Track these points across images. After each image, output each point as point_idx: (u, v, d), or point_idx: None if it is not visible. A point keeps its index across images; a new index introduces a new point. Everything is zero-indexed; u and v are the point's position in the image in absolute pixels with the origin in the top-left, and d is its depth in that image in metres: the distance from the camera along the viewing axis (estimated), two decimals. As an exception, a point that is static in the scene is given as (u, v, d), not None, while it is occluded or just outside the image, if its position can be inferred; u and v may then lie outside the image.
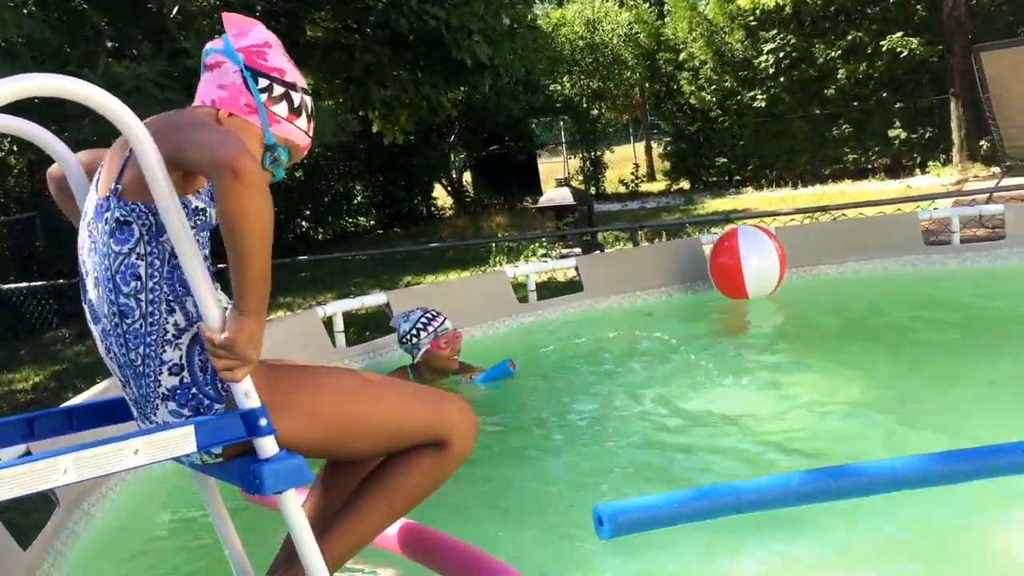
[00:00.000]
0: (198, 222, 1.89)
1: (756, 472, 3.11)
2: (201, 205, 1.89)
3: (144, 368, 1.89)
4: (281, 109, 2.03)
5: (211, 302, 1.82)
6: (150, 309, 1.86)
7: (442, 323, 4.60)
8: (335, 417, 2.00)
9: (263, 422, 1.85)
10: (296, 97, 2.06)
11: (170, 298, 1.86)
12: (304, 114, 2.08)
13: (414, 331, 4.57)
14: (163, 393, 1.89)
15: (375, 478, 2.15)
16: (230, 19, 2.06)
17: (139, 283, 1.86)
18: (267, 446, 1.87)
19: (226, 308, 1.86)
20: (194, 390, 1.89)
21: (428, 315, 4.62)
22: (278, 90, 2.02)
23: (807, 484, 2.26)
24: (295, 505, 1.92)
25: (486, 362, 4.71)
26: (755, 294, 5.94)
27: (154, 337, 1.87)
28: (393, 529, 2.36)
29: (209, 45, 2.06)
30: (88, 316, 1.99)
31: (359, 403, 2.04)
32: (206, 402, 1.89)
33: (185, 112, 1.97)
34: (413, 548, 2.39)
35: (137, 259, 1.85)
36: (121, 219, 1.86)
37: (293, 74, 2.07)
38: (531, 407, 4.37)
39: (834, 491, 2.27)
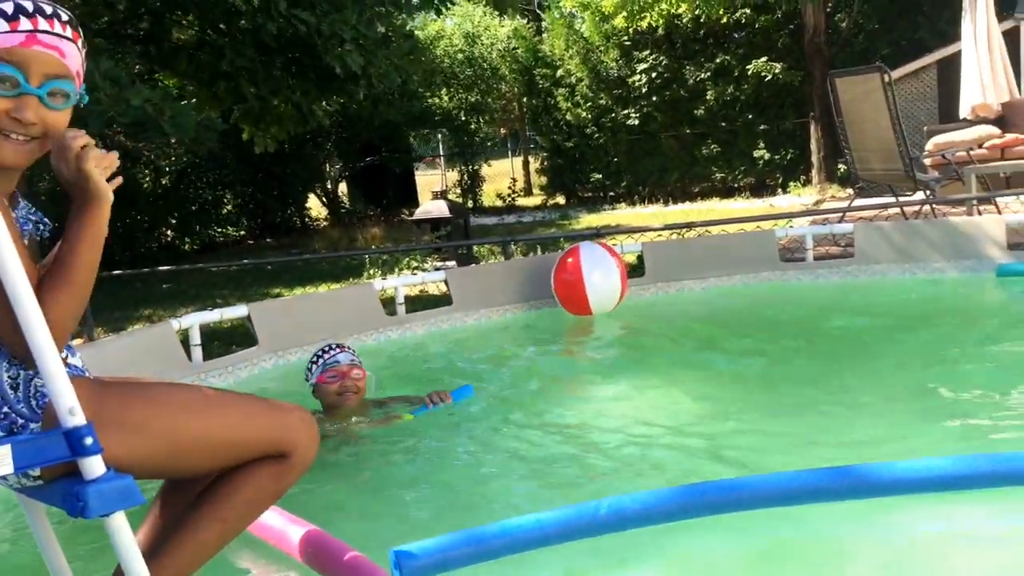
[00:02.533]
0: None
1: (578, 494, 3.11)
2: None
3: None
4: None
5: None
6: None
7: (333, 355, 3.95)
8: (167, 432, 1.91)
9: (88, 440, 1.75)
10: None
11: None
12: (0, 18, 1.72)
13: (308, 365, 4.00)
14: None
15: (209, 493, 2.05)
16: None
17: None
18: (93, 466, 1.76)
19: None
20: (5, 409, 1.78)
21: (324, 347, 4.03)
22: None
23: (614, 511, 2.28)
24: (124, 530, 1.82)
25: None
26: (597, 310, 6.05)
27: None
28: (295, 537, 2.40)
29: None
30: None
31: (193, 417, 1.95)
32: (20, 421, 1.78)
33: None
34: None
35: None
36: None
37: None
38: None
39: (640, 518, 2.31)
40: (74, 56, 1.81)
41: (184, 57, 9.26)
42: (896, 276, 6.46)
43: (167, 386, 2.05)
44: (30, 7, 1.75)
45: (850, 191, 11.62)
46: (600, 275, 5.98)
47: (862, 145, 8.56)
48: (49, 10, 1.77)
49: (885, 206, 8.18)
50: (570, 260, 6.06)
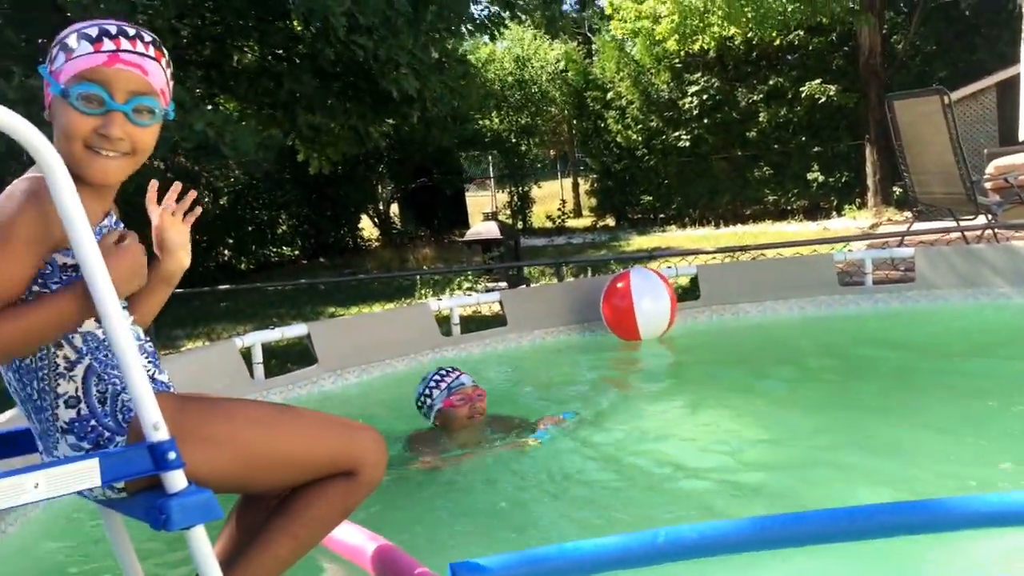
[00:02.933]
0: (67, 277, 1.81)
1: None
2: (70, 261, 1.80)
3: (41, 402, 1.83)
4: (59, 60, 1.81)
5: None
6: None
7: (456, 378, 4.01)
8: (245, 448, 1.96)
9: (171, 455, 1.79)
10: (70, 39, 1.82)
11: None
12: (85, 40, 1.81)
13: (426, 391, 4.02)
14: (62, 427, 1.83)
15: (281, 509, 2.09)
16: None
17: None
18: (175, 480, 1.81)
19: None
20: (92, 422, 1.83)
21: (441, 371, 4.06)
22: (55, 51, 1.83)
23: (673, 540, 2.24)
24: (204, 542, 1.86)
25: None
26: (646, 335, 6.03)
27: (46, 372, 1.82)
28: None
29: None
30: None
31: (270, 434, 2.00)
32: (106, 434, 1.84)
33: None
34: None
35: None
36: None
37: (71, 28, 1.85)
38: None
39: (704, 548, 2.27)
40: (157, 74, 1.87)
41: (244, 81, 9.47)
42: (959, 301, 6.33)
43: (243, 403, 2.10)
44: (113, 29, 1.82)
45: (908, 214, 11.46)
46: (650, 301, 5.96)
47: (921, 168, 8.45)
48: (132, 32, 1.84)
49: (946, 230, 8.05)
50: (620, 285, 6.05)
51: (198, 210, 2.20)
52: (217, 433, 1.93)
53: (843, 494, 3.04)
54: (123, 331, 1.76)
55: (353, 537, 2.56)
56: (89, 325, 1.86)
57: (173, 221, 2.17)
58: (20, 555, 3.27)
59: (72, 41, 1.80)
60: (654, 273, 6.17)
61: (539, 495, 3.43)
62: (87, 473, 1.73)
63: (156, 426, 1.79)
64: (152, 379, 1.94)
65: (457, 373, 4.05)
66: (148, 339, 2.04)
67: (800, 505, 2.97)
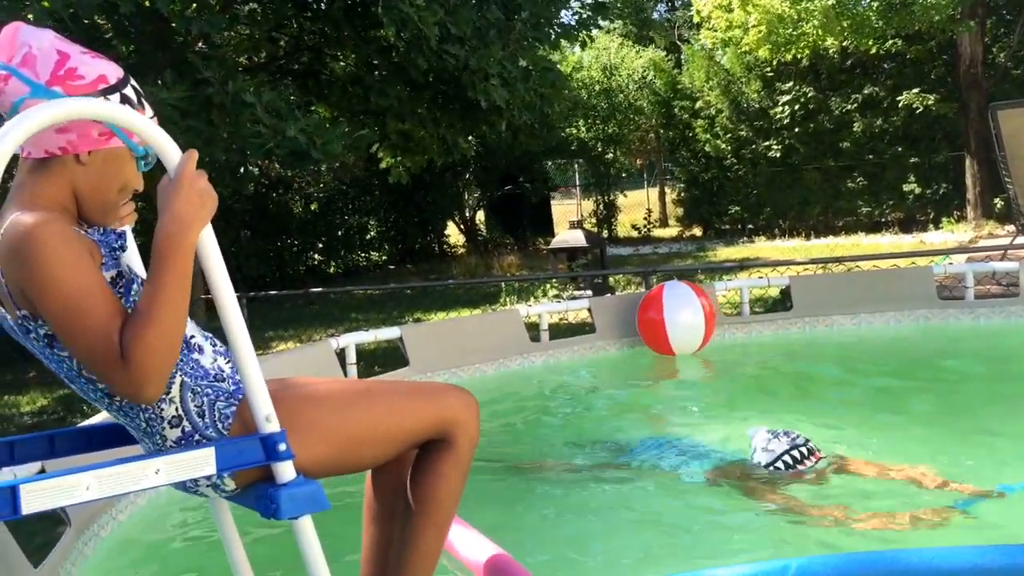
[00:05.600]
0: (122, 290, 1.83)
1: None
2: (109, 276, 1.81)
3: (150, 428, 1.90)
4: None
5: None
6: None
7: (815, 463, 3.63)
8: (339, 430, 2.00)
9: (282, 447, 1.85)
10: (129, 91, 1.83)
11: None
12: (140, 98, 1.85)
13: (784, 462, 3.59)
14: (171, 446, 1.89)
15: (410, 510, 2.16)
16: None
17: None
18: (285, 471, 1.87)
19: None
20: (196, 436, 1.89)
21: (799, 448, 3.62)
22: (114, 97, 1.80)
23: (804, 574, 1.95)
24: (311, 533, 1.91)
25: (501, 400, 4.64)
26: (680, 350, 5.92)
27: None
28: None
29: None
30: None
31: (359, 412, 2.04)
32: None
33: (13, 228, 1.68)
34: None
35: None
36: (48, 333, 1.76)
37: (105, 66, 1.82)
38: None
39: None
40: None
41: (338, 89, 9.67)
42: (1065, 318, 6.11)
43: (327, 384, 2.14)
44: (134, 97, 1.85)
45: (1010, 228, 11.07)
46: (686, 315, 5.86)
47: (1026, 180, 8.17)
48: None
49: (1052, 244, 7.76)
50: (654, 298, 5.97)
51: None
52: (311, 422, 1.97)
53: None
54: (238, 326, 1.83)
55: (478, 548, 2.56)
56: None
57: None
58: (137, 535, 3.41)
59: (131, 93, 1.84)
60: (690, 286, 6.07)
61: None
62: (203, 461, 1.80)
63: (268, 418, 1.85)
64: (232, 378, 1.97)
65: (810, 445, 3.67)
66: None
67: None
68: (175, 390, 1.87)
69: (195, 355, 1.93)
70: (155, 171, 1.87)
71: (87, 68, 1.78)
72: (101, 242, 1.83)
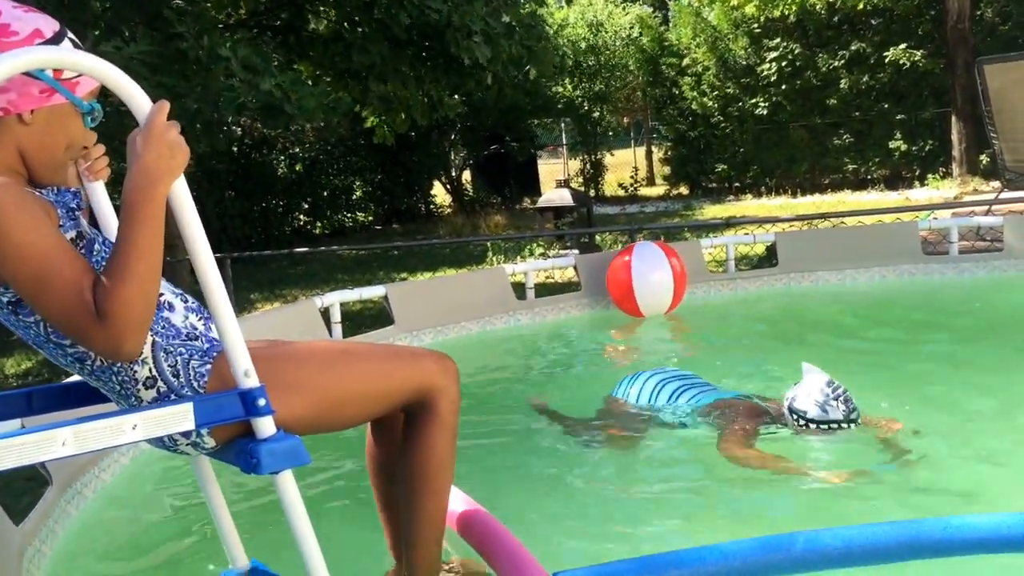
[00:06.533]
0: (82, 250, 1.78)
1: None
2: (70, 235, 1.77)
3: (124, 391, 1.88)
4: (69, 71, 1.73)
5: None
6: None
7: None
8: (320, 389, 2.01)
9: (261, 402, 1.84)
10: (66, 45, 1.73)
11: None
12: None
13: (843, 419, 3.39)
14: (146, 407, 1.87)
15: (408, 483, 2.22)
16: None
17: None
18: (265, 426, 1.86)
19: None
20: (172, 396, 1.88)
21: (852, 423, 3.40)
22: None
23: (812, 546, 1.88)
24: (292, 487, 1.90)
25: (486, 361, 4.63)
26: (649, 312, 5.88)
27: (119, 365, 1.84)
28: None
29: None
30: None
31: (341, 372, 2.06)
32: None
33: None
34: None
35: None
36: (12, 300, 1.73)
37: (39, 19, 1.72)
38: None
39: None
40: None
41: (320, 46, 9.54)
42: (1048, 271, 6.14)
43: (310, 344, 2.16)
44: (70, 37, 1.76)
45: (994, 184, 11.08)
46: (655, 276, 5.80)
47: (1012, 135, 8.16)
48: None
49: (1036, 199, 7.77)
50: (622, 260, 5.92)
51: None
52: (293, 380, 1.98)
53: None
54: (215, 282, 1.80)
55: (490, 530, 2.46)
56: None
57: None
58: (121, 494, 3.41)
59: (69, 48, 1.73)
60: (660, 247, 6.03)
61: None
62: (181, 416, 1.78)
63: (247, 373, 1.84)
64: (205, 336, 1.97)
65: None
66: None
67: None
68: (147, 350, 1.85)
69: (165, 313, 1.91)
70: (126, 124, 1.84)
71: (20, 23, 1.68)
72: (57, 202, 1.79)
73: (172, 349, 1.89)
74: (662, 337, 5.78)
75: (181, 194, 1.74)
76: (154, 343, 1.86)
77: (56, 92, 1.71)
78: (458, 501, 2.49)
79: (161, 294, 1.90)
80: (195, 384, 1.88)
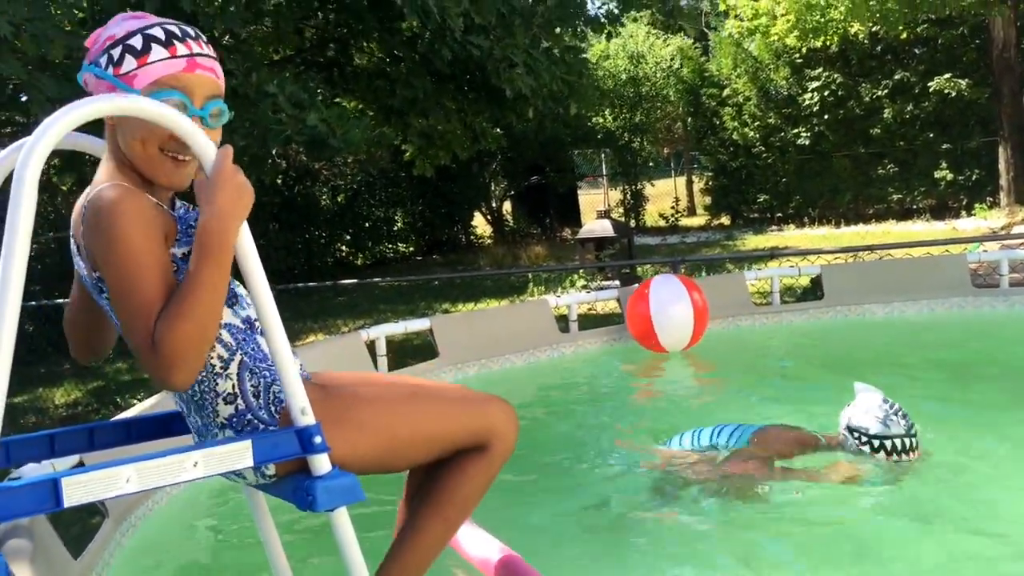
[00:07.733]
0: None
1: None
2: (179, 252, 1.83)
3: (202, 401, 1.93)
4: (129, 63, 1.78)
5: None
6: None
7: (912, 460, 3.38)
8: (387, 431, 2.03)
9: (317, 439, 1.86)
10: (135, 40, 1.79)
11: None
12: (156, 44, 1.80)
13: (894, 446, 3.35)
14: (221, 422, 1.93)
15: (426, 496, 2.17)
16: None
17: None
18: (321, 463, 1.88)
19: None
20: (248, 416, 1.92)
21: (912, 438, 3.37)
22: (116, 52, 1.79)
23: None
24: (347, 524, 1.92)
25: (521, 386, 4.64)
26: (670, 347, 5.74)
27: (204, 374, 1.90)
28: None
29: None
30: None
31: (409, 415, 2.07)
32: (260, 426, 1.93)
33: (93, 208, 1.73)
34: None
35: None
36: (98, 280, 1.80)
37: (123, 25, 1.82)
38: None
39: None
40: (222, 74, 1.91)
41: (364, 81, 9.68)
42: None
43: (378, 383, 2.18)
44: (178, 31, 1.83)
45: (1045, 214, 10.90)
46: (674, 310, 5.63)
47: (1062, 165, 8.02)
48: (193, 32, 1.86)
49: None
50: (641, 293, 5.79)
51: None
52: (360, 419, 2.00)
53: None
54: (273, 317, 1.83)
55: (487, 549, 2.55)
56: (227, 316, 1.94)
57: None
58: (171, 526, 3.44)
59: (138, 43, 1.79)
60: (681, 280, 5.91)
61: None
62: (240, 454, 1.81)
63: (304, 411, 1.86)
64: None
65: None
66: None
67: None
68: (234, 368, 1.91)
69: (258, 337, 1.97)
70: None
71: (105, 33, 1.82)
72: (181, 219, 1.87)
73: (258, 371, 1.94)
74: (698, 374, 5.72)
75: (244, 236, 1.79)
76: (242, 362, 1.92)
77: (117, 90, 1.77)
78: (495, 550, 2.50)
79: (256, 319, 1.94)
80: (272, 408, 1.93)
